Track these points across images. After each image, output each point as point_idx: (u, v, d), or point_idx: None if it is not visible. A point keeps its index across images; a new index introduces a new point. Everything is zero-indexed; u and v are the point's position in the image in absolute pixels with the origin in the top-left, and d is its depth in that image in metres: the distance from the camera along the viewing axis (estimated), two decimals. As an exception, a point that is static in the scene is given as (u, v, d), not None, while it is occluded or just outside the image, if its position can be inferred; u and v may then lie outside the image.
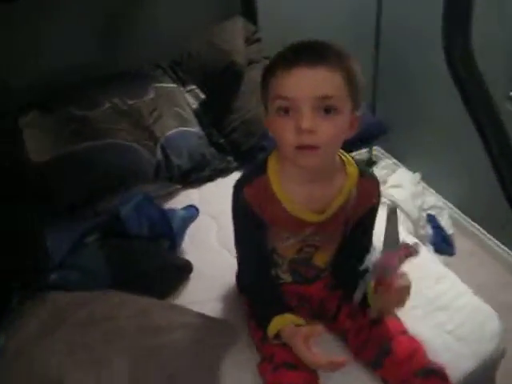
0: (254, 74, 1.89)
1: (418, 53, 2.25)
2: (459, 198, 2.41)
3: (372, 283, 1.10)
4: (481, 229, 2.30)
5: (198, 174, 1.86)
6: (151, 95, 1.86)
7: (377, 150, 2.81)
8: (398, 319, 1.20)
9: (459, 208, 2.41)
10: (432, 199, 2.43)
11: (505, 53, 1.83)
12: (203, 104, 1.96)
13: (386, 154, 2.79)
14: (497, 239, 2.23)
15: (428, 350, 1.16)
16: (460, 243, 2.33)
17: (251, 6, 2.16)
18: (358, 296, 1.09)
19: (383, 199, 2.26)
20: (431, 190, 2.52)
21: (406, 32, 2.30)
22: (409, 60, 2.38)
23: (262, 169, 1.11)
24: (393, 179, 2.42)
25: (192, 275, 1.47)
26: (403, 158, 2.69)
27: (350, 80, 0.98)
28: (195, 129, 1.88)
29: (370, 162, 2.73)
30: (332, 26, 2.27)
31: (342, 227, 1.18)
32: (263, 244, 1.18)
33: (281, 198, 1.10)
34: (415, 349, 1.13)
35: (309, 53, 0.96)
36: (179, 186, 1.84)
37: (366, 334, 1.17)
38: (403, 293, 1.07)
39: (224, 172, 1.88)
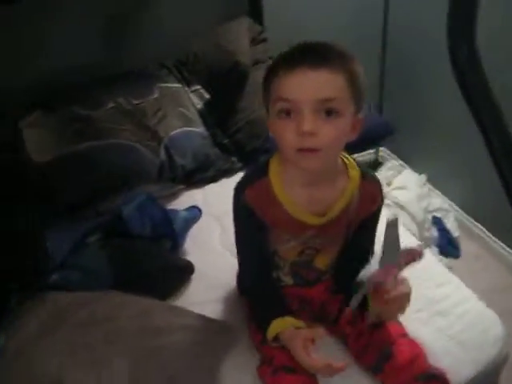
0: (260, 75, 1.85)
1: (425, 53, 2.24)
2: (465, 200, 2.39)
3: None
4: (487, 231, 2.28)
5: (201, 175, 1.86)
6: (156, 95, 1.86)
7: (383, 151, 2.80)
8: (399, 323, 1.19)
9: (465, 210, 2.39)
10: (438, 201, 2.41)
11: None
12: (208, 104, 1.96)
13: (392, 155, 2.77)
14: (503, 242, 2.21)
15: (429, 355, 1.15)
16: (465, 246, 2.32)
17: (257, 6, 2.16)
18: (353, 305, 1.07)
19: (388, 201, 2.26)
20: (437, 192, 2.50)
21: (413, 32, 2.29)
22: (415, 61, 2.37)
23: (263, 171, 1.11)
24: (398, 181, 2.41)
25: (194, 276, 1.47)
26: (409, 159, 2.68)
27: (353, 82, 0.97)
28: (199, 129, 1.88)
29: (376, 163, 2.71)
30: (339, 26, 2.27)
31: (344, 230, 1.18)
32: (264, 246, 1.17)
33: (282, 200, 1.09)
34: (416, 353, 1.12)
35: (311, 55, 0.95)
36: (183, 187, 1.84)
37: (367, 338, 1.16)
38: (403, 300, 1.06)
39: (228, 172, 1.87)
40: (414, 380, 1.08)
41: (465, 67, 1.06)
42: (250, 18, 2.14)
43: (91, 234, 1.42)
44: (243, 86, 1.93)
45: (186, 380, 1.16)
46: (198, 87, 1.99)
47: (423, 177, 2.50)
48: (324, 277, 1.27)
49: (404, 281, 1.06)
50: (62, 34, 1.89)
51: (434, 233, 2.28)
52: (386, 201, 2.29)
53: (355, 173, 1.12)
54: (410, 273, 1.07)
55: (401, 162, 2.71)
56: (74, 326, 1.25)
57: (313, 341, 1.07)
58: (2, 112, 1.30)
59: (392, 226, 0.99)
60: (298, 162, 1.00)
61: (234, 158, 1.92)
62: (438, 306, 1.34)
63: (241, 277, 1.31)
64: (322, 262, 1.23)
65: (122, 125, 1.74)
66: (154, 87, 1.88)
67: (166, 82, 1.93)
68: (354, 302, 1.06)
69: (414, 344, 1.15)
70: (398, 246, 1.01)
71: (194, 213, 1.59)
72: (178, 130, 1.80)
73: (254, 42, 2.09)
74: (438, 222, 2.32)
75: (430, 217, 2.32)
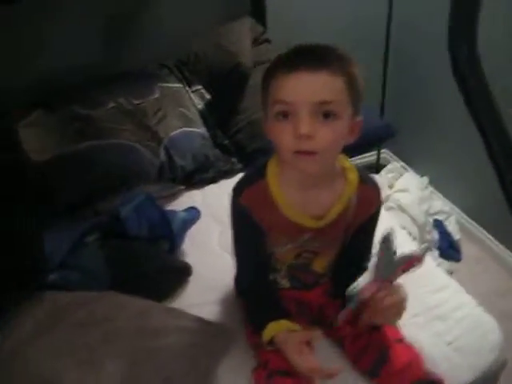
0: (261, 75, 1.87)
1: (428, 56, 2.23)
2: (467, 203, 2.39)
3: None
4: (488, 234, 2.27)
5: (201, 176, 1.85)
6: (156, 95, 1.86)
7: (385, 153, 2.79)
8: (397, 327, 1.18)
9: (467, 213, 2.38)
10: (439, 204, 2.41)
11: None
12: (209, 104, 1.95)
13: (395, 157, 2.77)
14: (504, 245, 2.20)
15: (426, 360, 1.14)
16: (466, 249, 2.31)
17: (260, 6, 2.15)
18: (342, 317, 1.06)
19: (390, 203, 2.25)
20: (439, 195, 2.50)
21: (416, 35, 2.28)
22: (418, 63, 2.36)
23: (261, 173, 1.10)
24: (400, 183, 2.40)
25: (192, 277, 1.46)
26: (411, 161, 2.67)
27: (351, 85, 0.96)
28: (200, 129, 1.87)
29: (378, 165, 2.71)
30: (342, 27, 2.27)
31: (342, 233, 1.17)
32: (262, 249, 1.17)
33: (279, 203, 1.08)
34: (413, 358, 1.12)
35: (310, 57, 0.94)
36: (182, 187, 1.84)
37: (364, 342, 1.16)
38: (398, 307, 1.05)
39: (228, 174, 1.86)
40: (411, 385, 1.07)
41: (465, 69, 1.05)
42: (252, 18, 2.14)
43: (89, 234, 1.41)
44: (244, 87, 1.93)
45: (181, 382, 1.15)
46: (199, 87, 1.98)
47: (425, 179, 2.49)
48: (322, 280, 1.27)
49: (399, 288, 1.04)
50: (63, 33, 1.89)
51: (435, 236, 2.27)
52: (388, 203, 2.29)
53: (353, 176, 1.11)
54: (408, 277, 1.05)
55: (403, 163, 2.70)
56: (72, 326, 1.24)
57: (308, 343, 1.07)
58: (1, 112, 1.30)
59: (386, 241, 0.98)
60: (295, 165, 0.99)
61: (234, 159, 1.91)
62: (437, 310, 1.33)
63: (238, 279, 1.30)
64: (320, 265, 1.22)
65: (123, 125, 1.74)
66: (155, 87, 1.88)
67: (167, 82, 1.93)
68: (343, 315, 1.04)
69: (410, 349, 1.14)
70: (393, 260, 0.99)
71: (193, 214, 1.58)
72: (178, 131, 1.79)
73: (256, 42, 2.08)
74: (439, 225, 2.31)
75: (431, 219, 2.31)
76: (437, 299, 1.36)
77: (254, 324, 1.19)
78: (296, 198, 1.09)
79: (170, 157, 1.75)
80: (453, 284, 1.42)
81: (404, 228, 2.04)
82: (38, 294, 1.30)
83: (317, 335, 1.09)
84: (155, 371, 1.16)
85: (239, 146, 1.91)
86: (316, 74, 0.93)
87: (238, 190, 1.11)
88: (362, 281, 0.98)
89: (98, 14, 1.94)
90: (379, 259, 0.98)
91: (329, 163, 1.04)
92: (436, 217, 2.35)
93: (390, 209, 2.25)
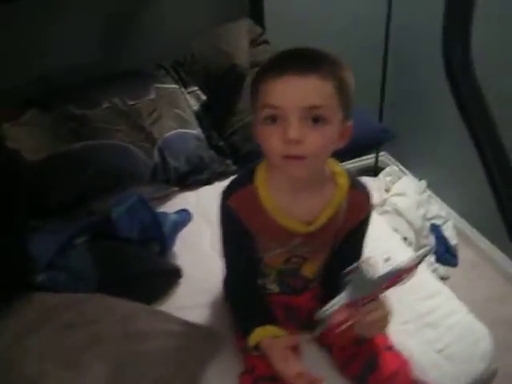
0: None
1: (427, 59, 2.21)
2: (465, 208, 2.37)
3: None
4: (485, 240, 2.26)
5: (195, 177, 1.84)
6: (152, 96, 1.85)
7: (384, 156, 2.78)
8: (386, 334, 1.17)
9: (464, 218, 2.37)
10: (436, 208, 2.39)
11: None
12: (204, 106, 1.94)
13: (393, 160, 2.75)
14: (501, 251, 2.19)
15: (415, 368, 1.14)
16: (463, 253, 2.30)
17: (258, 7, 2.14)
18: (316, 334, 1.04)
19: (387, 207, 2.24)
20: (437, 199, 2.48)
21: (415, 38, 2.27)
22: (417, 66, 2.35)
23: (250, 177, 1.09)
24: (397, 187, 2.39)
25: (183, 279, 1.46)
26: (410, 164, 2.66)
27: (342, 89, 0.95)
28: (195, 131, 1.86)
29: (376, 168, 2.70)
30: (341, 29, 2.26)
31: (332, 239, 1.16)
32: (250, 253, 1.16)
33: (268, 208, 1.08)
34: (401, 366, 1.11)
35: (300, 60, 0.93)
36: (176, 189, 1.82)
37: (352, 349, 1.15)
38: (383, 321, 1.02)
39: (222, 175, 1.84)
40: (399, 393, 1.06)
41: (458, 73, 1.04)
42: (250, 19, 2.13)
43: (79, 236, 1.40)
44: (240, 88, 1.92)
45: (168, 385, 1.15)
46: (195, 88, 1.97)
47: (423, 183, 2.48)
48: (311, 285, 1.26)
49: (384, 302, 1.00)
50: (62, 32, 1.89)
51: (432, 240, 2.25)
52: (385, 207, 2.27)
53: (344, 181, 1.10)
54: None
55: (401, 167, 2.69)
56: (60, 327, 1.24)
57: (294, 349, 1.06)
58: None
59: (361, 263, 0.95)
60: (284, 169, 0.99)
61: (228, 161, 1.90)
62: (428, 317, 1.32)
63: (226, 282, 1.29)
64: (309, 270, 1.21)
65: (117, 125, 1.73)
66: (151, 88, 1.87)
67: (163, 83, 1.92)
68: (317, 332, 1.02)
69: (399, 356, 1.14)
70: (367, 283, 0.95)
71: (184, 216, 1.58)
72: (173, 132, 1.78)
73: (254, 43, 2.07)
74: (435, 230, 2.30)
75: (428, 224, 2.30)
76: (428, 306, 1.34)
77: (241, 329, 1.18)
78: (285, 202, 1.08)
79: (163, 158, 1.74)
80: (445, 290, 1.40)
81: (396, 230, 2.03)
82: (27, 295, 1.29)
83: (304, 340, 1.08)
84: (142, 374, 1.15)
85: (234, 148, 1.90)
86: (305, 78, 0.92)
87: (226, 194, 1.11)
88: (336, 301, 0.94)
89: (97, 13, 1.94)
90: (353, 281, 0.94)
91: (318, 168, 1.04)
92: (433, 221, 2.34)
93: (386, 212, 2.24)
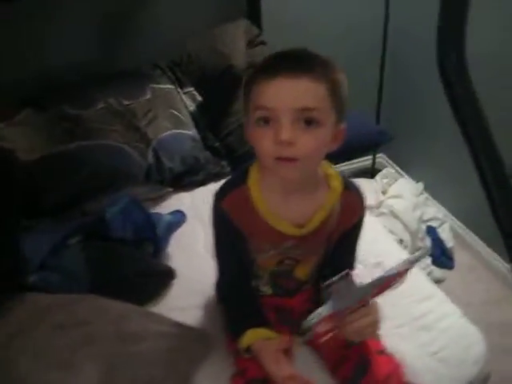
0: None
1: (424, 61, 2.20)
2: (462, 211, 2.37)
3: None
4: (481, 242, 2.26)
5: (190, 178, 1.83)
6: (148, 96, 1.85)
7: (381, 158, 2.78)
8: (378, 337, 1.16)
9: (461, 220, 2.37)
10: (433, 210, 2.39)
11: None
12: (200, 106, 1.94)
13: (390, 162, 2.75)
14: (498, 254, 2.18)
15: (408, 371, 1.13)
16: (459, 256, 2.30)
17: (255, 8, 2.14)
18: (304, 340, 1.04)
19: (382, 209, 2.23)
20: (434, 201, 2.48)
21: (413, 41, 2.27)
22: (415, 68, 2.35)
23: (242, 178, 1.09)
24: (393, 189, 2.39)
25: (176, 280, 1.45)
26: (407, 166, 2.66)
27: (335, 91, 0.94)
28: (191, 131, 1.86)
29: (373, 170, 2.69)
30: (338, 32, 2.25)
31: (325, 242, 1.15)
32: (243, 254, 1.15)
33: (260, 209, 1.07)
34: (393, 370, 1.10)
35: (292, 63, 0.93)
36: (171, 190, 1.82)
37: (344, 352, 1.14)
38: (374, 327, 1.01)
39: (218, 176, 1.83)
40: (390, 397, 1.06)
41: (452, 76, 1.04)
42: (248, 20, 2.12)
43: (72, 236, 1.40)
44: (237, 89, 1.91)
45: (159, 387, 1.14)
46: (191, 89, 1.97)
47: (420, 185, 2.48)
48: (304, 287, 1.26)
49: (371, 309, 0.99)
50: (58, 32, 1.89)
51: (428, 243, 2.25)
52: (381, 209, 2.27)
53: (337, 183, 1.09)
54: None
55: (398, 169, 2.69)
56: (52, 328, 1.23)
57: (286, 351, 1.05)
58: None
59: (343, 277, 0.94)
60: (276, 171, 0.98)
61: (223, 162, 1.89)
62: (421, 320, 1.32)
63: (218, 284, 1.29)
64: (302, 272, 1.21)
65: (112, 125, 1.73)
66: (147, 88, 1.87)
67: (159, 83, 1.91)
68: (304, 339, 1.01)
69: (391, 360, 1.13)
70: (353, 293, 0.94)
71: (178, 217, 1.57)
72: (168, 133, 1.78)
73: (251, 44, 2.06)
74: (432, 232, 2.29)
75: (424, 226, 2.29)
76: (422, 309, 1.34)
77: (233, 331, 1.18)
78: (277, 204, 1.07)
79: (158, 158, 1.73)
80: (438, 294, 1.40)
81: (392, 233, 2.03)
82: (19, 295, 1.28)
83: (296, 344, 1.07)
84: (134, 375, 1.15)
85: (230, 149, 1.90)
86: (298, 80, 0.91)
87: (219, 195, 1.10)
88: (320, 312, 0.93)
89: (95, 13, 1.94)
90: (337, 292, 0.93)
91: (310, 170, 1.03)
92: (430, 223, 2.34)
93: (382, 215, 2.23)
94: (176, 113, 1.85)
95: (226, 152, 1.91)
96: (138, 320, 1.25)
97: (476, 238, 2.29)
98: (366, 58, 2.36)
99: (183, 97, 1.95)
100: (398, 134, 2.23)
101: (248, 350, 1.08)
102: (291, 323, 1.25)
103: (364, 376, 1.09)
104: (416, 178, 2.56)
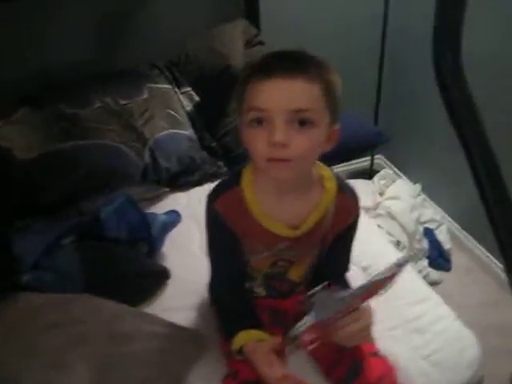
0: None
1: (423, 62, 2.20)
2: (459, 213, 2.36)
3: None
4: (478, 245, 2.25)
5: (187, 178, 1.83)
6: (145, 95, 1.84)
7: (379, 159, 2.78)
8: (372, 340, 1.16)
9: (459, 222, 2.36)
10: (431, 212, 2.38)
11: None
12: (197, 106, 1.93)
13: (388, 163, 2.75)
14: (494, 257, 2.18)
15: (401, 374, 1.13)
16: (457, 258, 2.29)
17: (254, 8, 2.14)
18: (293, 346, 1.02)
19: (379, 211, 2.23)
20: (431, 203, 2.47)
21: (412, 41, 2.26)
22: (414, 69, 2.34)
23: (236, 179, 1.08)
24: (391, 190, 2.38)
25: (171, 280, 1.45)
26: (405, 167, 2.66)
27: (329, 92, 0.94)
28: (187, 131, 1.86)
29: (371, 171, 2.69)
30: (337, 32, 2.25)
31: (319, 243, 1.15)
32: (237, 256, 1.15)
33: (253, 210, 1.07)
34: (386, 372, 1.10)
35: (286, 63, 0.92)
36: (167, 189, 1.82)
37: (337, 354, 1.14)
38: (365, 331, 1.00)
39: (214, 177, 1.82)
40: (383, 399, 1.05)
41: (447, 78, 1.03)
42: (246, 20, 2.12)
43: (66, 236, 1.40)
44: (234, 90, 1.91)
45: (152, 387, 1.14)
46: (189, 89, 1.96)
47: (418, 186, 2.47)
48: (298, 288, 1.25)
49: (362, 314, 0.97)
50: (57, 31, 1.89)
51: (425, 244, 2.24)
52: (378, 210, 2.27)
53: (331, 185, 1.09)
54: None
55: (396, 170, 2.68)
56: (45, 327, 1.23)
57: (278, 353, 1.05)
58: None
59: (326, 287, 0.93)
60: (269, 172, 0.97)
61: (220, 163, 1.89)
62: (415, 323, 1.31)
63: (212, 285, 1.28)
64: (296, 273, 1.20)
65: (109, 125, 1.72)
66: (144, 87, 1.87)
67: (157, 83, 1.91)
68: (293, 346, 1.01)
69: (384, 362, 1.13)
70: (336, 302, 0.93)
71: (173, 217, 1.57)
72: (165, 133, 1.78)
73: (250, 44, 2.06)
74: (429, 234, 2.29)
75: (421, 228, 2.29)
76: (416, 312, 1.33)
77: (226, 332, 1.17)
78: (271, 205, 1.07)
79: (154, 158, 1.73)
80: (433, 296, 1.39)
81: (389, 234, 2.02)
82: (12, 294, 1.28)
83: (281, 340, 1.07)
84: (126, 376, 1.15)
85: (226, 149, 1.90)
86: (292, 81, 0.90)
87: (212, 196, 1.10)
88: (305, 321, 0.93)
89: (94, 13, 1.94)
90: (315, 305, 0.93)
91: (304, 171, 1.02)
92: (427, 225, 2.33)
93: (379, 216, 2.23)
94: (173, 113, 1.85)
95: (222, 152, 1.91)
96: (131, 320, 1.25)
97: (473, 240, 2.28)
98: (364, 59, 2.35)
99: (180, 97, 1.94)
100: (397, 135, 2.22)
101: (240, 351, 1.08)
102: (285, 325, 1.24)
103: (356, 378, 1.09)
104: (414, 179, 2.55)
